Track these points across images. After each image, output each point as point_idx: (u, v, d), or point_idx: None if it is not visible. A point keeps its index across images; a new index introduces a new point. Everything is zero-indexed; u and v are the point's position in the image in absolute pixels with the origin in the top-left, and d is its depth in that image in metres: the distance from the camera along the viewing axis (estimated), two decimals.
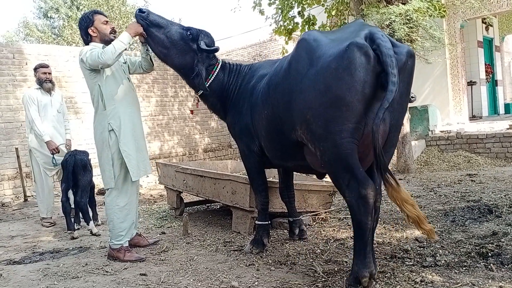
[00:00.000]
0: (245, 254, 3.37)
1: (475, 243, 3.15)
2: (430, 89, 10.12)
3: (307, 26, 8.49)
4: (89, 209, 4.65)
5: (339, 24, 8.35)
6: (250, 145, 3.31)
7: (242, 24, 45.87)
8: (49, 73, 5.05)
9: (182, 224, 4.26)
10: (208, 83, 3.41)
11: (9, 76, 7.35)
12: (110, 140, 3.39)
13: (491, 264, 2.70)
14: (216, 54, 3.52)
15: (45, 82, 4.97)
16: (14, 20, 44.49)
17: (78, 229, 4.56)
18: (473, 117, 11.19)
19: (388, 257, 3.03)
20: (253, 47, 16.52)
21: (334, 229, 3.97)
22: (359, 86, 2.29)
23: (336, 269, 2.88)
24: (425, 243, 3.26)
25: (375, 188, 2.39)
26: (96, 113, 3.48)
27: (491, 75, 12.26)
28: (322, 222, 4.25)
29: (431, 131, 9.07)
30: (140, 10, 3.37)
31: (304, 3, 8.37)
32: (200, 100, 3.53)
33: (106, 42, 3.43)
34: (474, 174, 6.51)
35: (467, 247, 3.09)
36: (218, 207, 5.37)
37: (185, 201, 5.23)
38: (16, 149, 6.81)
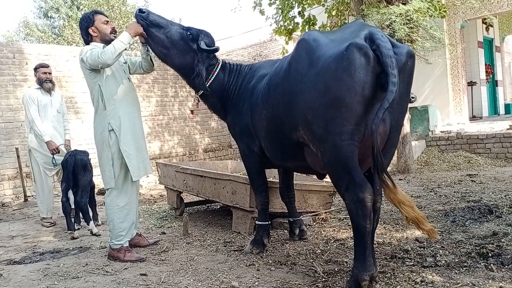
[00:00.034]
0: (245, 254, 3.37)
1: (475, 243, 3.15)
2: (430, 90, 10.12)
3: (307, 26, 8.49)
4: (89, 209, 4.65)
5: (339, 24, 8.34)
6: (250, 145, 3.31)
7: (243, 24, 45.92)
8: (49, 73, 5.05)
9: (182, 224, 4.26)
10: (209, 83, 3.41)
11: (9, 76, 7.35)
12: (110, 140, 3.39)
13: (492, 265, 2.70)
14: (216, 54, 3.52)
15: (45, 82, 4.97)
16: (14, 19, 44.61)
17: (78, 229, 4.56)
18: (473, 118, 11.19)
19: (388, 257, 3.03)
20: (253, 47, 16.53)
21: (334, 229, 3.97)
22: (358, 87, 2.29)
23: (336, 269, 2.88)
24: (425, 243, 3.26)
25: (372, 191, 2.37)
26: (96, 113, 3.48)
27: (491, 76, 12.26)
28: (322, 222, 4.25)
29: (431, 131, 9.07)
30: (140, 10, 3.38)
31: (304, 3, 8.36)
32: (200, 100, 3.54)
33: (107, 42, 3.43)
34: (474, 174, 6.51)
35: (467, 247, 3.09)
36: (218, 207, 5.37)
37: (185, 201, 5.23)
38: (16, 149, 6.81)
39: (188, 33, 3.34)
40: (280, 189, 3.74)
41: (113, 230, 3.48)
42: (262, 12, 9.04)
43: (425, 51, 6.66)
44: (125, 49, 3.27)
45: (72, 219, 4.46)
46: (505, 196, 4.67)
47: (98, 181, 5.20)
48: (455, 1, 8.48)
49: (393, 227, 3.85)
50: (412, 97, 6.21)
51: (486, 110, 11.89)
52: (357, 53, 2.27)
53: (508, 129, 8.31)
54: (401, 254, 3.08)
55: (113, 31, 3.55)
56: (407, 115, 7.24)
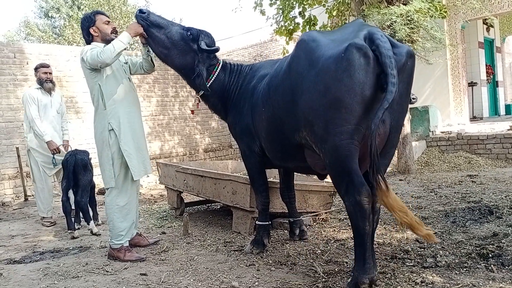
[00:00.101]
0: (245, 254, 3.37)
1: (475, 244, 3.15)
2: (430, 90, 10.12)
3: (308, 26, 8.49)
4: (90, 209, 4.66)
5: (340, 24, 8.34)
6: (251, 146, 3.31)
7: (243, 24, 45.92)
8: (50, 73, 5.05)
9: (182, 224, 4.26)
10: (209, 83, 3.41)
11: (10, 75, 7.35)
12: (110, 139, 3.40)
13: (492, 265, 2.70)
14: (216, 54, 3.52)
15: (45, 82, 4.98)
16: (15, 19, 44.65)
17: (79, 228, 4.56)
18: (473, 118, 11.19)
19: (388, 258, 3.03)
20: (254, 47, 16.53)
21: (334, 230, 3.97)
22: (358, 88, 2.28)
23: (336, 269, 2.88)
24: (425, 244, 3.26)
25: (370, 194, 2.35)
26: (96, 112, 3.49)
27: (492, 76, 12.26)
28: (323, 222, 4.25)
29: (432, 132, 9.07)
30: (141, 11, 3.38)
31: (305, 3, 8.36)
32: (201, 100, 3.54)
33: (107, 42, 3.43)
34: (475, 175, 6.51)
35: (467, 248, 3.09)
36: (219, 207, 5.37)
37: (185, 201, 5.23)
38: (17, 148, 6.82)
39: (189, 33, 3.35)
40: (280, 189, 3.74)
41: (113, 229, 3.48)
42: (262, 12, 9.04)
43: (425, 51, 6.66)
44: (125, 49, 3.28)
45: (72, 219, 4.46)
46: (505, 196, 4.67)
47: (98, 180, 5.20)
48: (456, 2, 8.49)
49: (393, 228, 3.85)
50: (413, 98, 6.22)
51: (487, 111, 11.88)
52: (356, 54, 2.26)
53: (508, 129, 8.30)
54: (401, 254, 3.09)
55: (114, 31, 3.56)
56: (408, 116, 7.24)
